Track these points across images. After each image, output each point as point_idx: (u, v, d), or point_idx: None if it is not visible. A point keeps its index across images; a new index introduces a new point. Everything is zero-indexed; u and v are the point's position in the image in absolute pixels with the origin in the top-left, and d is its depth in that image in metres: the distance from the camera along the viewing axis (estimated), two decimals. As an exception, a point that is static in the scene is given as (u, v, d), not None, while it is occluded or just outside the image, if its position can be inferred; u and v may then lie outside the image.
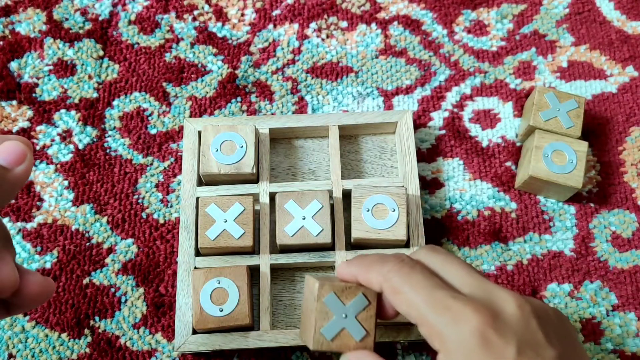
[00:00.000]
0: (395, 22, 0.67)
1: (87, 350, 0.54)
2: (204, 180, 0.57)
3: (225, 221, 0.53)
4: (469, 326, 0.33)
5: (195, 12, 0.67)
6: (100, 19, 0.67)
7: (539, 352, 0.34)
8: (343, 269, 0.41)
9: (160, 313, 0.55)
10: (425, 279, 0.36)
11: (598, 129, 0.62)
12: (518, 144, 0.62)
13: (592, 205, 0.59)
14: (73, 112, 0.62)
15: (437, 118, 0.63)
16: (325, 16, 0.67)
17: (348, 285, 0.41)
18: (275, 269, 0.55)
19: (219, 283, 0.51)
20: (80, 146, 0.61)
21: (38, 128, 0.62)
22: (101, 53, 0.65)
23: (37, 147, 0.61)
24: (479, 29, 0.67)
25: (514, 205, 0.59)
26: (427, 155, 0.61)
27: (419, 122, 0.62)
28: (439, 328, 0.34)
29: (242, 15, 0.67)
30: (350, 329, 0.41)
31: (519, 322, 0.34)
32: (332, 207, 0.55)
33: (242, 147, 0.55)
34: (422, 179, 0.60)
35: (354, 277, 0.40)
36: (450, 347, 0.34)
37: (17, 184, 0.33)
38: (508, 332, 0.34)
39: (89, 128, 0.62)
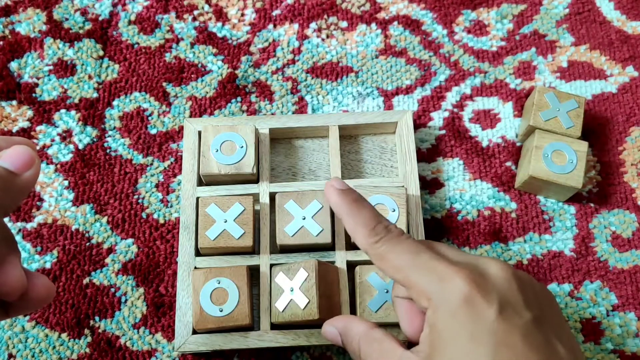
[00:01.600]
0: (395, 22, 0.67)
1: (87, 350, 0.54)
2: (204, 181, 0.57)
3: (226, 221, 0.53)
4: (453, 285, 0.35)
5: (195, 12, 0.67)
6: (100, 19, 0.67)
7: (518, 312, 0.35)
8: (335, 197, 0.42)
9: (160, 313, 0.55)
10: (411, 245, 0.38)
11: (598, 129, 0.62)
12: (518, 144, 0.62)
13: (592, 205, 0.59)
14: (73, 112, 0.62)
15: (437, 118, 0.63)
16: (325, 16, 0.67)
17: (292, 264, 0.50)
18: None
19: (219, 283, 0.51)
20: (80, 146, 0.61)
21: (38, 128, 0.62)
22: (101, 53, 0.65)
23: (37, 147, 0.61)
24: (479, 29, 0.67)
25: (514, 205, 0.59)
26: (427, 155, 0.61)
27: (419, 122, 0.62)
28: (425, 287, 0.36)
29: (242, 15, 0.67)
30: (296, 300, 0.49)
31: (501, 283, 0.36)
32: (332, 207, 0.55)
33: (242, 147, 0.55)
34: (422, 179, 0.60)
35: (340, 215, 0.42)
36: (437, 304, 0.36)
37: (25, 189, 0.33)
38: (490, 292, 0.35)
39: (89, 128, 0.62)
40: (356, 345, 0.41)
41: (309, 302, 0.48)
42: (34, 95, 0.63)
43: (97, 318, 0.55)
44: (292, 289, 0.49)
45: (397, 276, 0.38)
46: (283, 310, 0.49)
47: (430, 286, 0.36)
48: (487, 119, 0.63)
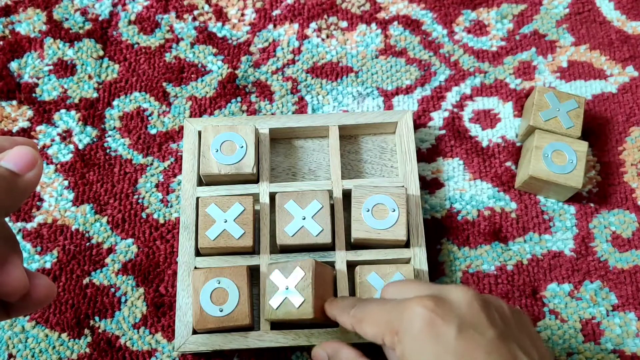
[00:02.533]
0: (395, 22, 0.67)
1: (87, 350, 0.54)
2: (204, 181, 0.57)
3: (226, 221, 0.53)
4: (414, 313, 0.38)
5: (195, 12, 0.67)
6: (100, 19, 0.67)
7: (480, 331, 0.37)
8: (327, 307, 0.49)
9: (160, 313, 0.55)
10: (379, 302, 0.43)
11: (598, 129, 0.62)
12: (518, 144, 0.62)
13: (592, 205, 0.59)
14: (73, 112, 0.62)
15: (437, 118, 0.63)
16: (325, 16, 0.67)
17: (288, 263, 0.50)
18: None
19: (219, 283, 0.51)
20: (80, 146, 0.61)
21: (38, 128, 0.62)
22: (101, 53, 0.65)
23: (37, 147, 0.61)
24: (479, 29, 0.67)
25: (514, 205, 0.59)
26: (427, 155, 0.61)
27: (419, 122, 0.62)
28: (393, 326, 0.39)
29: (242, 15, 0.67)
30: (291, 298, 0.49)
31: (461, 306, 0.38)
32: (332, 207, 0.55)
33: (242, 147, 0.55)
34: (422, 179, 0.60)
35: (334, 317, 0.48)
36: (402, 335, 0.38)
37: (28, 190, 0.33)
38: (449, 314, 0.38)
39: (89, 128, 0.62)
40: None
41: (304, 301, 0.48)
42: (34, 95, 0.63)
43: (97, 318, 0.55)
44: (287, 287, 0.49)
45: (373, 330, 0.41)
46: (277, 308, 0.49)
47: (395, 322, 0.39)
48: (487, 119, 0.63)
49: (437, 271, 0.57)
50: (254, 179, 0.56)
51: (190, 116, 0.62)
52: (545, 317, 0.55)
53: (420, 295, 0.40)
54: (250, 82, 0.64)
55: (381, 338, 0.40)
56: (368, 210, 0.53)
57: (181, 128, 0.62)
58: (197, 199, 0.55)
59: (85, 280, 0.56)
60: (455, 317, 0.37)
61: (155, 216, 0.58)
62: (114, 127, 0.62)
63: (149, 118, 0.62)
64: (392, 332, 0.39)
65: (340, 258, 0.54)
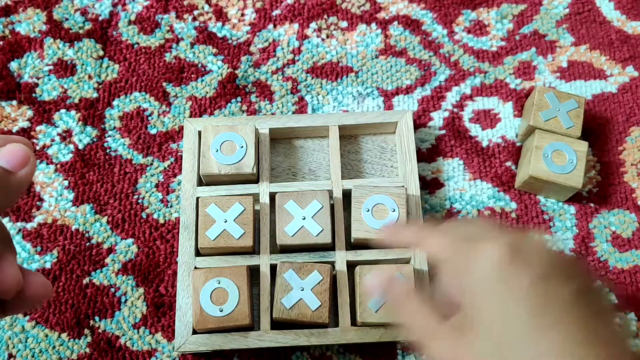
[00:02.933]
0: (395, 22, 0.67)
1: (87, 350, 0.54)
2: (204, 181, 0.57)
3: (226, 221, 0.53)
4: (489, 252, 0.35)
5: (195, 12, 0.67)
6: (100, 19, 0.67)
7: (557, 286, 0.34)
8: (396, 233, 0.44)
9: (160, 313, 0.55)
10: (451, 226, 0.41)
11: (598, 129, 0.62)
12: (518, 144, 0.62)
13: (592, 205, 0.59)
14: (73, 112, 0.62)
15: (437, 118, 0.63)
16: (325, 16, 0.67)
17: (304, 263, 0.51)
18: (275, 269, 0.55)
19: (219, 283, 0.51)
20: (80, 146, 0.61)
21: (38, 128, 0.62)
22: (101, 53, 0.65)
23: (37, 147, 0.61)
24: (479, 29, 0.67)
25: (514, 205, 0.59)
26: (427, 155, 0.61)
27: (419, 122, 0.62)
28: (462, 265, 0.36)
29: (242, 15, 0.67)
30: (307, 300, 0.49)
31: (535, 256, 0.36)
32: (332, 207, 0.55)
33: (242, 147, 0.55)
34: (422, 179, 0.60)
35: (407, 244, 0.44)
36: (471, 281, 0.36)
37: (20, 187, 0.33)
38: (523, 264, 0.35)
39: (89, 128, 0.62)
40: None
41: (320, 305, 0.49)
42: (34, 95, 0.63)
43: (97, 318, 0.55)
44: (303, 289, 0.49)
45: (436, 246, 0.39)
46: (290, 308, 0.49)
47: (467, 264, 0.36)
48: (487, 119, 0.63)
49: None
50: (254, 179, 0.56)
51: (190, 116, 0.62)
52: (545, 317, 0.55)
53: (498, 238, 0.37)
54: (250, 82, 0.64)
55: (442, 259, 0.38)
56: (368, 210, 0.53)
57: (181, 128, 0.62)
58: (197, 199, 0.55)
59: (85, 280, 0.56)
60: (528, 266, 0.35)
61: (155, 216, 0.58)
62: (114, 127, 0.62)
63: (149, 118, 0.62)
64: (459, 265, 0.37)
65: (340, 258, 0.54)
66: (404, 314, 0.39)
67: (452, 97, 0.64)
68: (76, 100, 0.63)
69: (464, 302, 0.36)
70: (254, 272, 0.54)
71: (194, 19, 0.67)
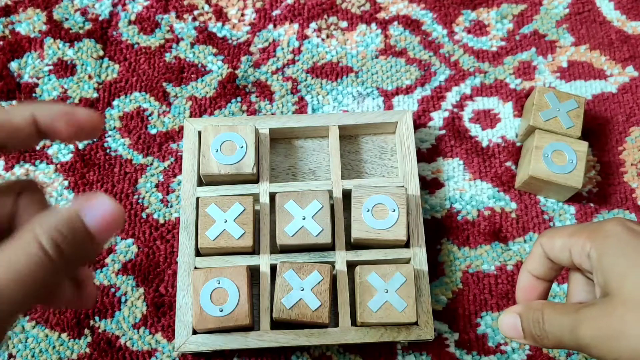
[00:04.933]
0: (395, 22, 0.67)
1: (87, 350, 0.54)
2: (204, 181, 0.57)
3: (226, 221, 0.53)
4: (612, 225, 0.36)
5: (195, 12, 0.67)
6: (100, 19, 0.67)
7: None
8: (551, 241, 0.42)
9: (160, 313, 0.55)
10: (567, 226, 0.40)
11: (598, 129, 0.62)
12: (518, 144, 0.62)
13: (592, 205, 0.59)
14: (73, 112, 0.62)
15: (437, 118, 0.63)
16: (325, 16, 0.67)
17: (304, 263, 0.51)
18: (275, 269, 0.55)
19: (219, 283, 0.51)
20: (80, 146, 0.61)
21: (38, 128, 0.62)
22: (101, 53, 0.65)
23: (37, 147, 0.61)
24: (479, 29, 0.67)
25: (514, 205, 0.59)
26: (427, 155, 0.61)
27: (419, 122, 0.62)
28: (587, 236, 0.37)
29: (242, 15, 0.67)
30: (307, 300, 0.49)
31: None
32: (332, 207, 0.55)
33: (242, 147, 0.55)
34: (422, 179, 0.60)
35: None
36: (600, 241, 0.36)
37: (99, 249, 0.27)
38: None
39: (89, 128, 0.62)
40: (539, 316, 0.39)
41: (320, 306, 0.49)
42: (34, 95, 0.63)
43: (97, 318, 0.55)
44: (303, 289, 0.50)
45: (559, 242, 0.39)
46: (290, 308, 0.50)
47: (590, 233, 0.37)
48: (487, 119, 0.63)
49: (437, 271, 0.57)
50: (254, 179, 0.56)
51: (190, 116, 0.62)
52: (545, 317, 0.55)
53: (604, 222, 0.38)
54: (250, 82, 0.64)
55: (568, 248, 0.38)
56: (368, 210, 0.53)
57: (181, 128, 0.62)
58: (197, 199, 0.55)
59: (85, 280, 0.56)
60: None
61: (155, 216, 0.58)
62: (114, 127, 0.62)
63: (149, 118, 0.62)
64: (585, 241, 0.37)
65: (340, 258, 0.54)
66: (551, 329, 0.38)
67: (452, 97, 0.64)
68: (76, 101, 0.63)
69: (598, 280, 0.36)
70: (254, 272, 0.54)
71: (194, 19, 0.67)
